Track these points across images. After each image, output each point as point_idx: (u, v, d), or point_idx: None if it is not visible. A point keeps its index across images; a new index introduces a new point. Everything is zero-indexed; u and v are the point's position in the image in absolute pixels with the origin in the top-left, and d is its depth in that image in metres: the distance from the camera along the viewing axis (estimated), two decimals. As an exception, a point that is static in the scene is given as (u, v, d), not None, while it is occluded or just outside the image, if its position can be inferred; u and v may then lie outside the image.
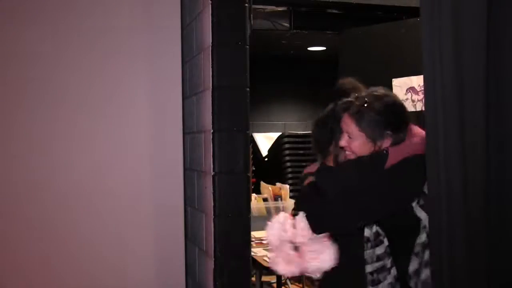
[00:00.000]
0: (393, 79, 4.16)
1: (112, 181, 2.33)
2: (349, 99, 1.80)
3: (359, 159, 1.74)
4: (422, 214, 1.63)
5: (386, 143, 1.73)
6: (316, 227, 1.74)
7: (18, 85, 2.25)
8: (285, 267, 1.79)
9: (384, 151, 1.70)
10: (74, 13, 2.30)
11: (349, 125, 1.76)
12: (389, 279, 1.69)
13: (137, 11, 2.35)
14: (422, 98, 3.97)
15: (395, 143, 1.72)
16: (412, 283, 1.64)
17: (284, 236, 1.80)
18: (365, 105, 1.73)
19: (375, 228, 1.71)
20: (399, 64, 4.14)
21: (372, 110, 1.73)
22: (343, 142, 1.78)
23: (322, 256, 1.73)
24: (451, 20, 1.29)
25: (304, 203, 1.86)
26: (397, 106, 1.77)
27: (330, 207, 1.75)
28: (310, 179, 1.88)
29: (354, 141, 1.75)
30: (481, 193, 1.27)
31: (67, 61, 2.29)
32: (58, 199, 2.27)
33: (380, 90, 1.80)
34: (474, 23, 1.27)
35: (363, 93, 1.79)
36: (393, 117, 1.74)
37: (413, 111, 3.91)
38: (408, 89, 4.11)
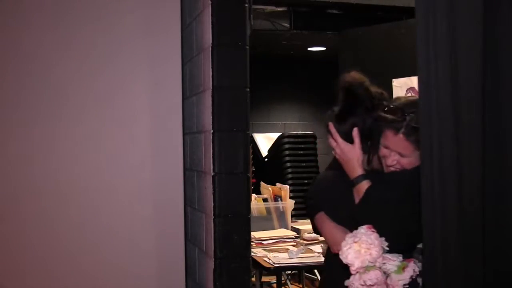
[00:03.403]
0: (393, 79, 4.17)
1: (112, 181, 2.33)
2: (394, 117, 1.69)
3: (417, 168, 1.60)
4: None
5: None
6: (395, 246, 1.66)
7: (18, 87, 2.25)
8: None
9: None
10: (73, 14, 2.30)
11: (402, 145, 1.68)
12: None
13: (137, 11, 2.35)
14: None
15: None
16: None
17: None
18: (416, 122, 1.60)
19: None
20: (399, 64, 4.15)
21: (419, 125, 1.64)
22: (391, 161, 1.71)
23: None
24: (446, 19, 1.29)
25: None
26: None
27: (405, 222, 1.64)
28: (367, 184, 1.74)
29: (405, 158, 1.69)
30: (476, 194, 1.27)
31: (67, 62, 2.29)
32: (58, 199, 2.27)
33: (412, 98, 1.73)
34: (470, 22, 1.26)
35: (401, 105, 1.70)
36: None
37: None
38: (408, 89, 4.11)
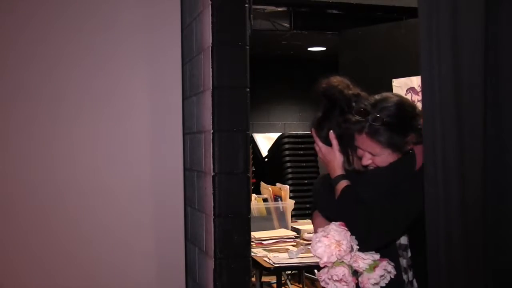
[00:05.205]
0: (393, 79, 4.17)
1: (112, 181, 2.33)
2: (358, 118, 1.73)
3: (391, 166, 1.70)
4: None
5: (409, 144, 1.70)
6: (365, 245, 1.69)
7: (18, 85, 2.24)
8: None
9: (410, 152, 1.67)
10: (73, 13, 2.30)
11: (369, 145, 1.71)
12: None
13: (137, 11, 2.35)
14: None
15: (418, 142, 1.68)
16: None
17: (336, 256, 1.68)
18: (379, 121, 1.69)
19: (406, 237, 1.67)
20: (399, 64, 4.15)
21: (387, 123, 1.68)
22: (366, 161, 1.74)
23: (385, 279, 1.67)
24: (449, 19, 1.29)
25: (345, 216, 1.74)
26: (407, 106, 1.73)
27: (376, 222, 1.67)
28: (345, 183, 1.78)
29: (378, 157, 1.72)
30: (479, 194, 1.27)
31: (66, 61, 2.29)
32: (57, 200, 2.27)
33: (383, 95, 1.76)
34: (472, 22, 1.27)
35: (367, 105, 1.73)
36: (408, 119, 1.70)
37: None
38: (408, 90, 4.11)
